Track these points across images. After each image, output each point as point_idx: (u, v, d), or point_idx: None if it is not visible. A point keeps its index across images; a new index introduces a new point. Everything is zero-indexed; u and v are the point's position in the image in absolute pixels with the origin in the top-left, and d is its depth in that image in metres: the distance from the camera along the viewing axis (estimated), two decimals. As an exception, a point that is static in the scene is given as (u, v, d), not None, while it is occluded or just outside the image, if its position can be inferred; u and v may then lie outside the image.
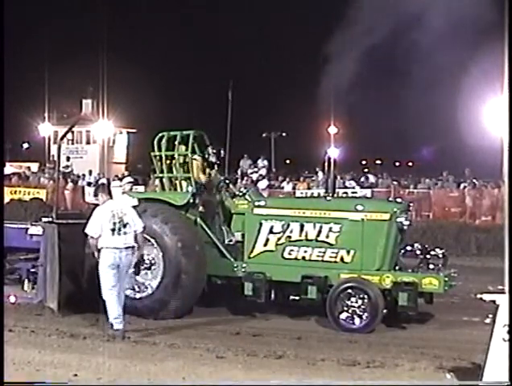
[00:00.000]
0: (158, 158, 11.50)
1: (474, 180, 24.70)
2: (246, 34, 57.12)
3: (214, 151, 11.60)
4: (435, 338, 9.59)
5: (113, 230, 9.39)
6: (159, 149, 11.45)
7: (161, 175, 11.58)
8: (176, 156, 11.38)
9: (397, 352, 8.65)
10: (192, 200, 11.03)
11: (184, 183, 11.44)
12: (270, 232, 10.75)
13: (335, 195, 11.34)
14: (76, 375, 7.55)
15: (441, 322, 10.78)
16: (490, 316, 7.04)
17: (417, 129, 62.10)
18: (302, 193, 24.08)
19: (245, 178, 28.44)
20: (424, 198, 24.51)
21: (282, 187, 24.88)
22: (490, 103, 25.53)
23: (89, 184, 29.66)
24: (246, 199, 11.07)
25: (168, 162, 11.47)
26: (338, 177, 29.28)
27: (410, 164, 71.09)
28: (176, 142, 11.36)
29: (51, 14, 59.32)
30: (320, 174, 29.32)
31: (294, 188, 26.12)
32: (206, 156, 11.62)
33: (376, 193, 24.78)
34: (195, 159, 11.46)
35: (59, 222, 11.07)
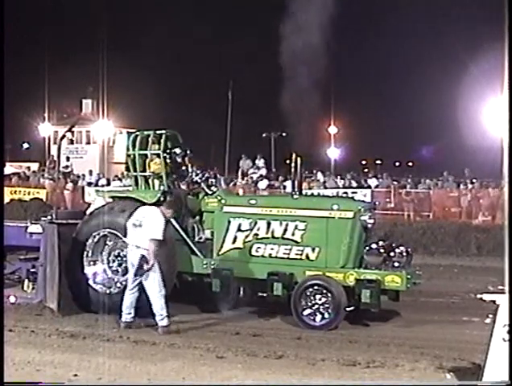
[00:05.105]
0: (132, 156, 11.58)
1: (474, 180, 24.71)
2: (247, 33, 57.14)
3: (178, 151, 11.63)
4: (435, 338, 9.59)
5: (133, 225, 9.90)
6: (133, 149, 11.53)
7: (134, 174, 11.65)
8: (149, 155, 11.46)
9: (397, 352, 8.65)
10: (162, 198, 11.09)
11: (157, 182, 11.50)
12: (238, 229, 10.90)
13: (303, 193, 11.46)
14: (76, 375, 7.56)
15: (441, 322, 10.78)
16: (490, 316, 7.04)
17: (417, 129, 62.22)
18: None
19: (246, 178, 28.44)
20: (424, 198, 24.53)
21: (285, 187, 24.85)
22: (490, 103, 25.54)
23: (89, 184, 29.65)
24: (216, 198, 11.13)
25: (141, 160, 11.53)
26: (338, 177, 29.40)
27: (410, 164, 71.16)
28: (149, 141, 11.42)
29: (51, 14, 59.36)
30: (320, 174, 29.38)
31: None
32: (173, 155, 11.68)
33: (376, 193, 24.80)
34: (166, 158, 11.48)
35: (59, 222, 11.08)
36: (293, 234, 10.61)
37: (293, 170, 11.09)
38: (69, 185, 27.77)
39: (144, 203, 10.99)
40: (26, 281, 11.39)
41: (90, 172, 32.98)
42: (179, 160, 11.68)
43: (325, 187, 26.16)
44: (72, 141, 42.65)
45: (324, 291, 10.03)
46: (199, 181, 11.49)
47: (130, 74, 43.77)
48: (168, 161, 11.49)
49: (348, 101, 54.41)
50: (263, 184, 26.84)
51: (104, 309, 10.48)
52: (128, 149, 11.71)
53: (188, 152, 11.71)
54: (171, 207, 10.12)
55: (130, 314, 9.87)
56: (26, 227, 11.34)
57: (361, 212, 10.54)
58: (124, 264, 10.85)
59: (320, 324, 9.99)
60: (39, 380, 7.36)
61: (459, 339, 9.42)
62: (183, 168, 11.77)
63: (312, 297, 10.06)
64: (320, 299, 10.04)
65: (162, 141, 11.39)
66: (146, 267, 9.62)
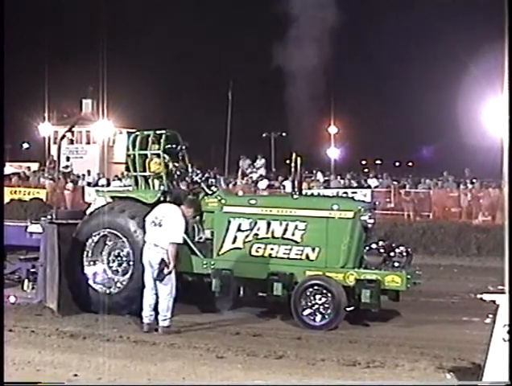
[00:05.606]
0: (132, 156, 11.57)
1: (474, 180, 24.72)
2: (247, 33, 57.14)
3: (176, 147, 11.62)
4: (435, 338, 9.59)
5: (152, 222, 9.76)
6: (133, 149, 11.53)
7: (134, 174, 11.63)
8: (149, 155, 11.45)
9: (397, 352, 8.65)
10: (162, 198, 11.08)
11: (157, 182, 11.49)
12: (238, 229, 10.89)
13: (303, 193, 11.47)
14: (76, 375, 7.56)
15: (441, 322, 10.78)
16: (490, 316, 7.04)
17: (417, 129, 62.21)
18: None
19: (246, 178, 28.43)
20: (424, 198, 24.54)
21: (285, 187, 24.87)
22: (490, 103, 25.53)
23: (89, 184, 29.67)
24: (216, 198, 11.14)
25: (141, 160, 11.52)
26: (338, 176, 29.40)
27: (410, 164, 71.17)
28: (149, 141, 11.42)
29: (51, 14, 59.35)
30: (320, 174, 29.39)
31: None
32: (172, 151, 11.65)
33: (376, 193, 24.81)
34: (166, 158, 11.45)
35: (59, 222, 11.08)
36: (293, 234, 10.61)
37: (293, 170, 11.09)
38: (69, 185, 27.79)
39: (144, 203, 10.97)
40: (26, 281, 11.39)
41: (89, 172, 33.00)
42: (177, 155, 11.64)
43: (325, 187, 26.17)
44: (72, 141, 42.67)
45: (324, 291, 10.04)
46: (199, 181, 11.49)
47: (130, 74, 43.81)
48: (167, 160, 11.47)
49: (348, 101, 54.41)
50: (263, 184, 26.83)
51: (104, 309, 10.49)
52: (128, 149, 11.70)
53: (184, 147, 11.70)
54: (191, 206, 10.08)
55: (151, 315, 9.78)
56: (26, 227, 11.35)
57: (361, 212, 10.55)
58: (124, 264, 10.87)
59: (320, 324, 10.00)
60: (38, 380, 7.36)
61: (459, 339, 9.42)
62: (183, 168, 11.76)
63: (312, 297, 10.08)
64: (319, 299, 10.05)
65: (162, 141, 11.39)
66: (166, 271, 9.54)
